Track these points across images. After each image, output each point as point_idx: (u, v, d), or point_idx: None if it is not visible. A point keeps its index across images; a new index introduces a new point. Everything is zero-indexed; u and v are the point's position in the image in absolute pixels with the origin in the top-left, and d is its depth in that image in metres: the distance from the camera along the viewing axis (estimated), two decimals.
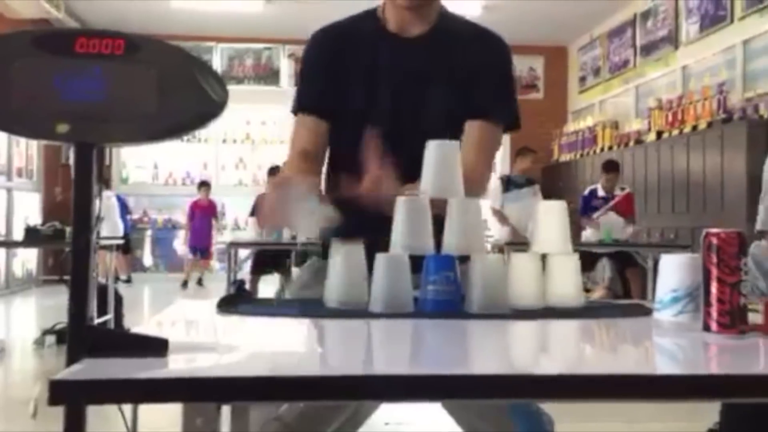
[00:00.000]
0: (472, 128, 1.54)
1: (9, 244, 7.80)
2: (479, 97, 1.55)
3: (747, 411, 1.72)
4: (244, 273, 7.14)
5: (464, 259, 1.27)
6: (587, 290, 8.03)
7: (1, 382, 4.86)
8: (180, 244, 11.03)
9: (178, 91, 0.88)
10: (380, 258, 1.23)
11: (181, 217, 11.08)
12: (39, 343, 5.47)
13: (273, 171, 7.52)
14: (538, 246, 1.33)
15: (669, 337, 1.07)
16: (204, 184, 9.98)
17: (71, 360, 0.84)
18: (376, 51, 1.55)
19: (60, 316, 5.96)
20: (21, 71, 0.85)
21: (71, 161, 0.88)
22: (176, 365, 0.82)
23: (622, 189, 7.22)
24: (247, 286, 6.89)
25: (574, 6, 8.85)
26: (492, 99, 1.56)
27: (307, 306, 1.31)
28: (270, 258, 7.00)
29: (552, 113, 10.56)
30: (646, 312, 1.25)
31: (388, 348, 1.06)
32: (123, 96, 0.87)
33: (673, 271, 1.10)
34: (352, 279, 1.26)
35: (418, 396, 0.77)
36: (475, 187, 1.40)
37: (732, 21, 6.91)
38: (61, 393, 0.71)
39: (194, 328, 1.16)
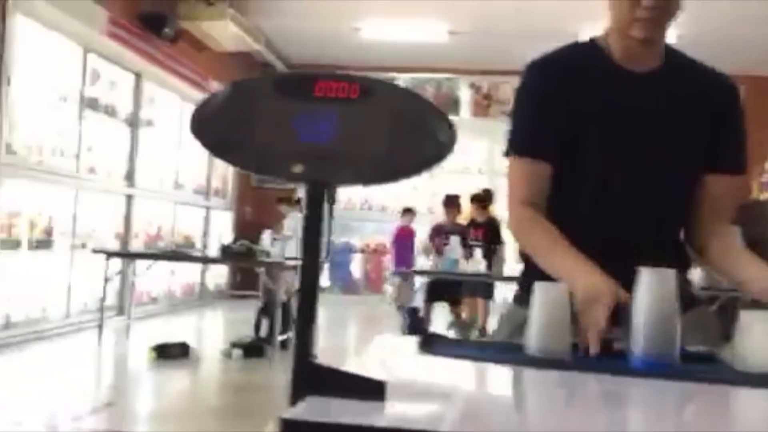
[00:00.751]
0: (719, 185, 1.45)
1: (207, 260, 8.42)
2: (724, 149, 1.45)
3: None
4: (418, 301, 7.20)
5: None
6: None
7: (191, 388, 5.22)
8: (356, 267, 11.39)
9: (407, 134, 0.89)
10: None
11: (358, 241, 11.44)
12: (227, 354, 5.82)
13: (450, 199, 7.54)
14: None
15: None
16: (408, 211, 9.69)
17: (295, 396, 0.85)
18: (609, 87, 1.44)
19: (246, 330, 6.33)
20: (264, 113, 0.89)
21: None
22: (397, 410, 0.81)
23: None
24: (420, 314, 6.95)
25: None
26: (737, 150, 1.47)
27: (510, 352, 1.26)
28: (443, 287, 7.01)
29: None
30: None
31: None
32: (355, 138, 0.89)
33: None
34: (555, 324, 1.20)
35: None
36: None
37: None
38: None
39: (403, 368, 1.15)
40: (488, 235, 7.08)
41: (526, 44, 8.88)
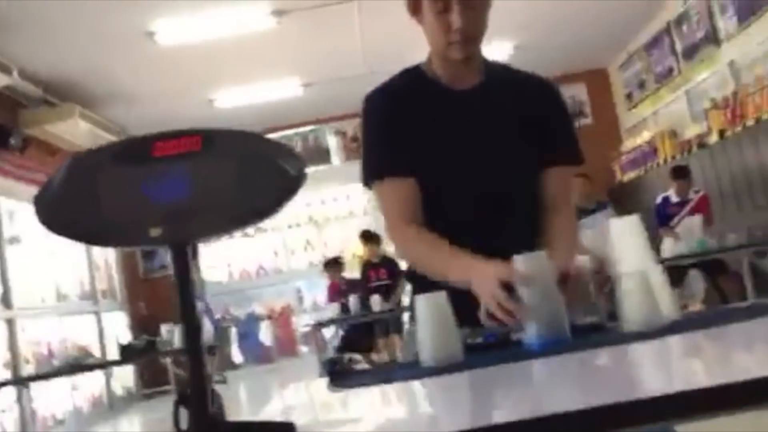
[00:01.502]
0: (553, 177, 1.54)
1: (107, 364, 8.00)
2: (551, 143, 1.55)
3: None
4: (331, 354, 7.13)
5: None
6: (684, 306, 7.73)
7: None
8: (265, 335, 11.15)
9: (257, 174, 0.90)
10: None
11: (261, 309, 11.23)
12: None
13: (329, 263, 7.56)
14: (622, 266, 1.29)
15: None
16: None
17: None
18: (437, 108, 1.53)
19: (165, 428, 6.02)
20: (108, 185, 0.88)
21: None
22: None
23: (696, 192, 7.00)
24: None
25: (605, 27, 8.82)
26: (563, 143, 1.58)
27: (411, 368, 1.28)
28: (357, 337, 6.97)
29: (605, 135, 10.41)
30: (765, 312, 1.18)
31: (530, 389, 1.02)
32: (206, 190, 0.89)
33: None
34: (443, 330, 1.24)
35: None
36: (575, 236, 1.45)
37: None
38: None
39: (312, 407, 1.15)
40: (390, 271, 7.15)
41: (379, 79, 9.18)
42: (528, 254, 1.23)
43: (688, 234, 6.66)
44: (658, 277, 1.28)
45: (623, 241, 1.33)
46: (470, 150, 1.50)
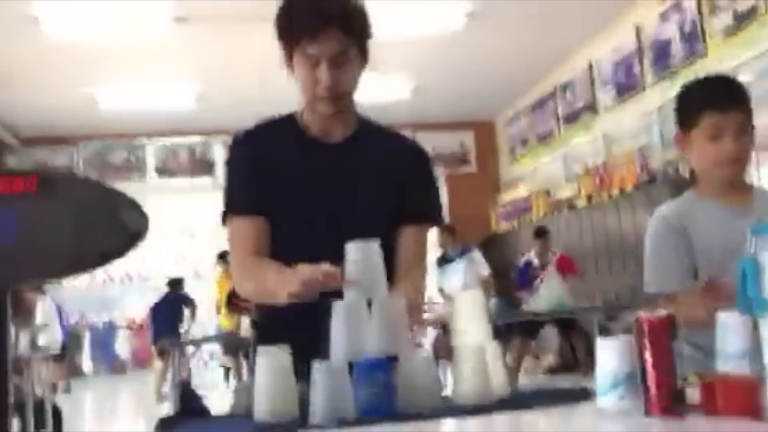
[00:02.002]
0: (407, 236, 1.58)
1: None
2: (411, 203, 1.59)
3: None
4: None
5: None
6: (536, 357, 8.07)
7: None
8: (121, 345, 10.70)
9: (95, 225, 0.87)
10: (321, 368, 1.21)
11: (120, 318, 10.78)
12: None
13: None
14: (461, 338, 1.35)
15: (614, 424, 1.07)
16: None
17: None
18: (301, 158, 1.56)
19: None
20: None
21: None
22: None
23: (554, 253, 7.36)
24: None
25: (497, 82, 9.21)
26: (423, 203, 1.62)
27: (242, 422, 1.27)
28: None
29: (485, 185, 10.80)
30: (591, 396, 1.25)
31: None
32: (37, 235, 0.85)
33: (611, 355, 1.11)
34: (280, 385, 1.24)
35: None
36: (420, 294, 1.46)
37: (644, 89, 7.28)
38: None
39: None
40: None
41: (273, 101, 9.12)
42: (361, 242, 1.31)
43: (550, 293, 6.98)
44: (493, 353, 1.33)
45: (466, 312, 1.39)
46: (324, 201, 1.53)
